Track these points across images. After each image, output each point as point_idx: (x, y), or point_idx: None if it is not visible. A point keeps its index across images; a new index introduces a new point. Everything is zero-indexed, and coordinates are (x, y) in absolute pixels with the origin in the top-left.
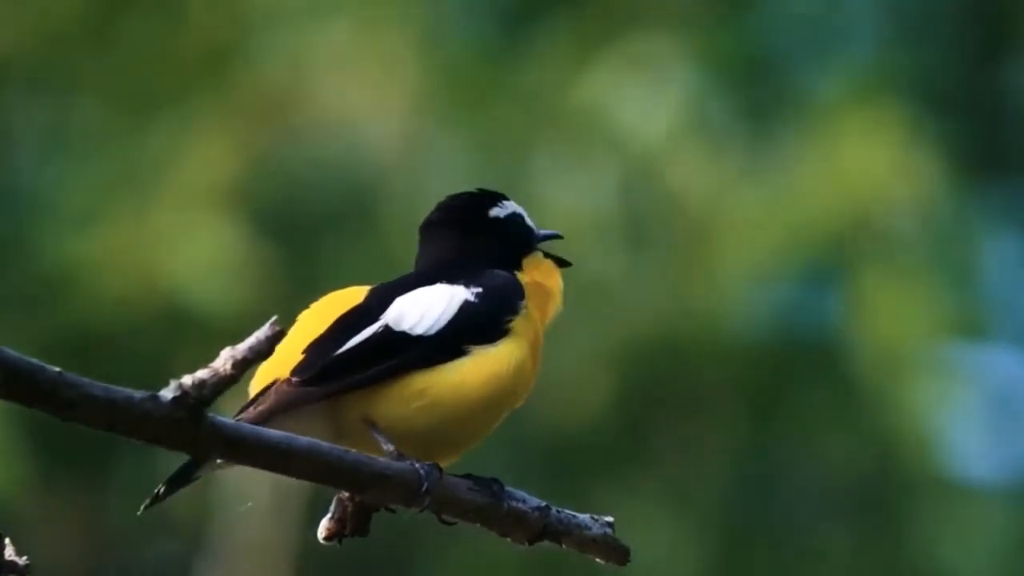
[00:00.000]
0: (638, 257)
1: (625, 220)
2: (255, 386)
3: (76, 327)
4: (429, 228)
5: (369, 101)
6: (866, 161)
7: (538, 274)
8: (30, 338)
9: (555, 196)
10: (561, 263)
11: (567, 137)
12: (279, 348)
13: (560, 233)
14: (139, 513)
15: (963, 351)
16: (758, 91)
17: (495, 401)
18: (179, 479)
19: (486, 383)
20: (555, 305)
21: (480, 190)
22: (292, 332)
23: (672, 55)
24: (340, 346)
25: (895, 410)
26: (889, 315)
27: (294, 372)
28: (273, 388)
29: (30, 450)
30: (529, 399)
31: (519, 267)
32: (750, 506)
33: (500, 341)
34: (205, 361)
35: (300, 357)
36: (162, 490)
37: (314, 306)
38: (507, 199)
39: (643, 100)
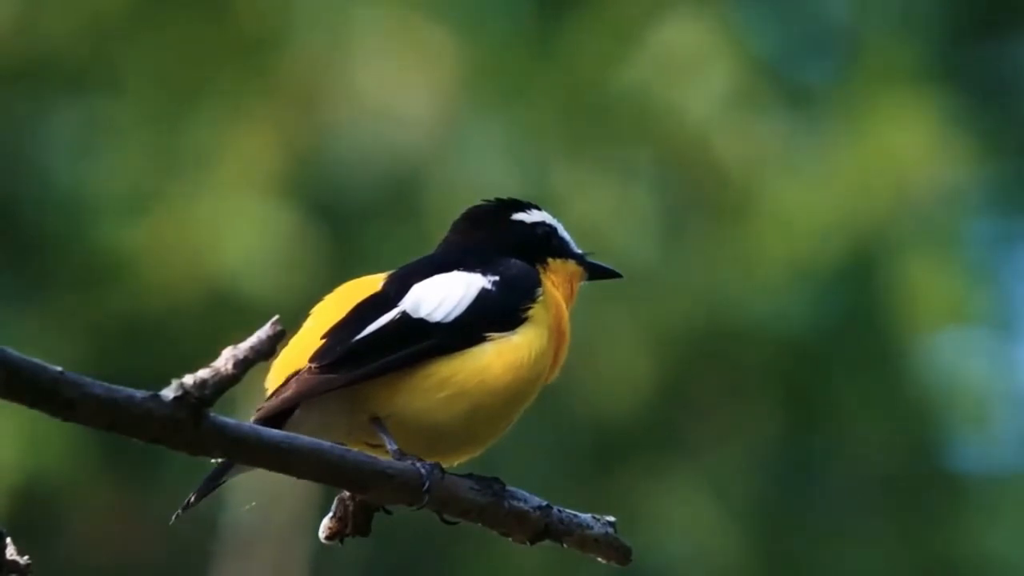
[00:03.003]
0: (677, 243)
1: (663, 206)
2: (272, 379)
3: (127, 314)
4: (455, 226)
5: (410, 88)
6: (902, 147)
7: (561, 275)
8: (82, 325)
9: (594, 182)
10: (609, 273)
11: (605, 123)
12: (296, 339)
13: (620, 274)
14: (171, 523)
15: (1002, 338)
16: (794, 77)
17: (518, 390)
18: (208, 486)
19: (508, 371)
20: (571, 300)
21: (512, 199)
22: (308, 323)
23: (708, 42)
24: (358, 333)
25: (935, 398)
26: (929, 302)
27: (313, 359)
28: (295, 377)
29: (76, 442)
30: (569, 386)
31: (544, 264)
32: (788, 492)
33: (519, 329)
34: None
35: (319, 344)
36: (192, 499)
37: (329, 297)
38: (539, 209)
39: (680, 86)
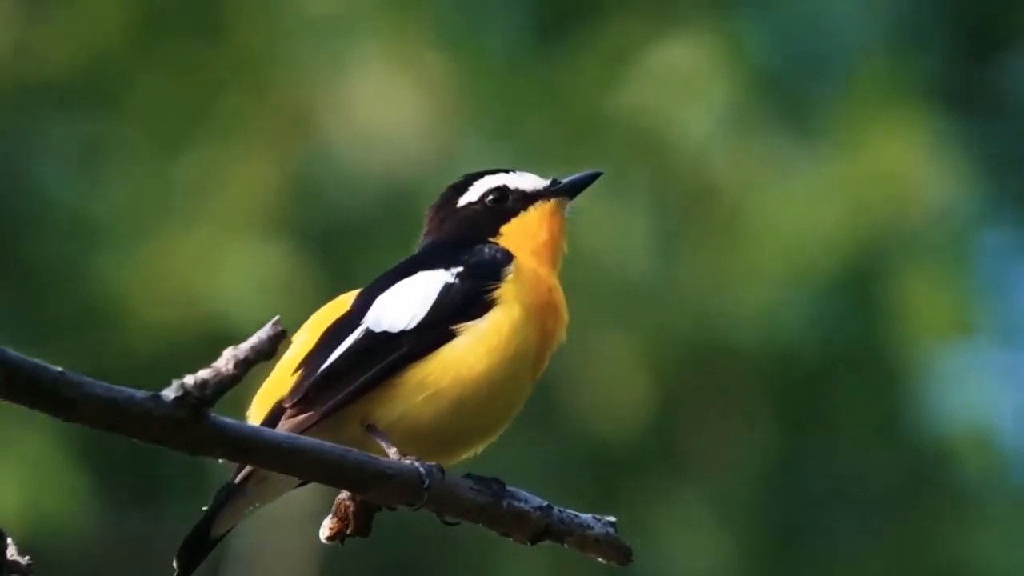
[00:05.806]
0: (674, 261)
1: (660, 224)
2: (255, 412)
3: (122, 352)
4: (425, 224)
5: (406, 113)
6: (899, 163)
7: (523, 234)
8: (77, 364)
9: (592, 200)
10: (587, 180)
11: (603, 142)
12: (276, 370)
13: (598, 171)
14: None
15: (995, 353)
16: (791, 94)
17: (498, 375)
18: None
19: (481, 359)
20: (555, 247)
21: (455, 182)
22: (288, 353)
23: (704, 61)
24: (325, 361)
25: (929, 413)
26: (926, 317)
27: (287, 399)
28: (280, 420)
29: (81, 465)
30: (566, 404)
31: (499, 235)
32: (787, 509)
33: (487, 314)
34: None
35: (293, 379)
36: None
37: (307, 322)
38: (485, 175)
39: (677, 105)
